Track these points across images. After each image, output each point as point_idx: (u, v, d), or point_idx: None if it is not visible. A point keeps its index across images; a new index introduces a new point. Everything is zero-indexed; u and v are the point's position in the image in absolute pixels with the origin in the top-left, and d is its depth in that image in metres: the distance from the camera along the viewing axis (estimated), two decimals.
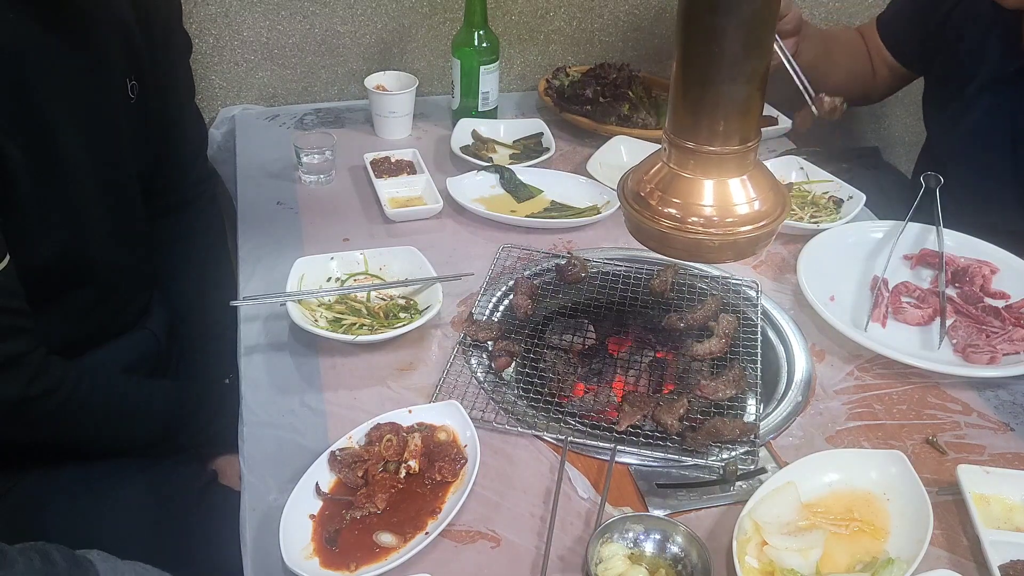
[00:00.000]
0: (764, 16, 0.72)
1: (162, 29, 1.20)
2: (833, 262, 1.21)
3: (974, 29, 1.38)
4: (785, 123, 1.63)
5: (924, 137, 1.67)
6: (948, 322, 1.12)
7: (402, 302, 1.11)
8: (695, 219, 0.80)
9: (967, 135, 1.42)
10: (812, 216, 1.33)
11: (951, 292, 1.20)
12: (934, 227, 1.26)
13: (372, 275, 1.15)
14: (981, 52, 1.38)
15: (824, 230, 1.27)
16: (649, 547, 0.80)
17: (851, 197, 1.36)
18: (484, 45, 1.51)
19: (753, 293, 1.18)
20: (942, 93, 1.51)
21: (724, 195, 0.80)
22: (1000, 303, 1.17)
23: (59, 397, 1.00)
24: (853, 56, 1.59)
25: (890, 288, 1.19)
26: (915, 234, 1.28)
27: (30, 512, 1.06)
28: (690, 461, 0.92)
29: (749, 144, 0.78)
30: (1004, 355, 1.06)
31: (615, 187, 0.89)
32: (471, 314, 1.11)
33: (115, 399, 1.08)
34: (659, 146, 0.83)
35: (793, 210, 1.34)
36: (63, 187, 1.02)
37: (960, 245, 1.25)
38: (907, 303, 1.16)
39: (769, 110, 1.67)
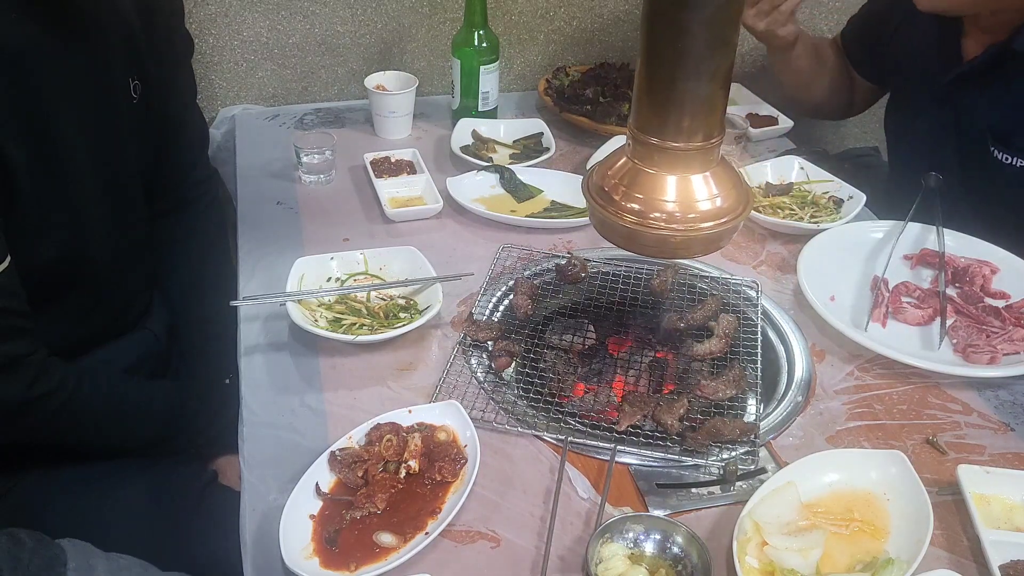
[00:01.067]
0: (729, 13, 0.73)
1: (164, 29, 1.20)
2: (833, 262, 1.21)
3: (919, 40, 1.42)
4: (786, 123, 1.63)
5: None
6: (948, 322, 1.12)
7: (402, 302, 1.11)
8: (657, 214, 0.80)
9: (917, 144, 1.45)
10: (812, 216, 1.33)
11: (951, 292, 1.20)
12: (934, 227, 1.26)
13: (372, 275, 1.15)
14: (926, 62, 1.41)
15: (824, 230, 1.27)
16: (649, 547, 0.80)
17: (851, 197, 1.36)
18: (484, 45, 1.51)
19: (753, 293, 1.18)
20: (895, 105, 1.56)
21: (687, 191, 0.80)
22: (1000, 303, 1.17)
23: (60, 398, 1.00)
24: (837, 67, 1.62)
25: (890, 288, 1.19)
26: (915, 234, 1.28)
27: (30, 512, 1.06)
28: (690, 461, 0.92)
29: (712, 141, 0.79)
30: (1004, 355, 1.06)
31: (582, 183, 0.89)
32: (471, 314, 1.11)
33: (115, 400, 1.08)
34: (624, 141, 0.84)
35: (793, 210, 1.34)
36: (64, 187, 1.02)
37: (960, 245, 1.25)
38: (907, 303, 1.16)
39: (769, 110, 1.67)
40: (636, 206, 0.81)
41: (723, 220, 0.81)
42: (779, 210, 1.34)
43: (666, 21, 0.73)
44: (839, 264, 1.22)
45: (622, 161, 0.83)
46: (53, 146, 0.99)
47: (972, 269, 1.21)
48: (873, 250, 1.26)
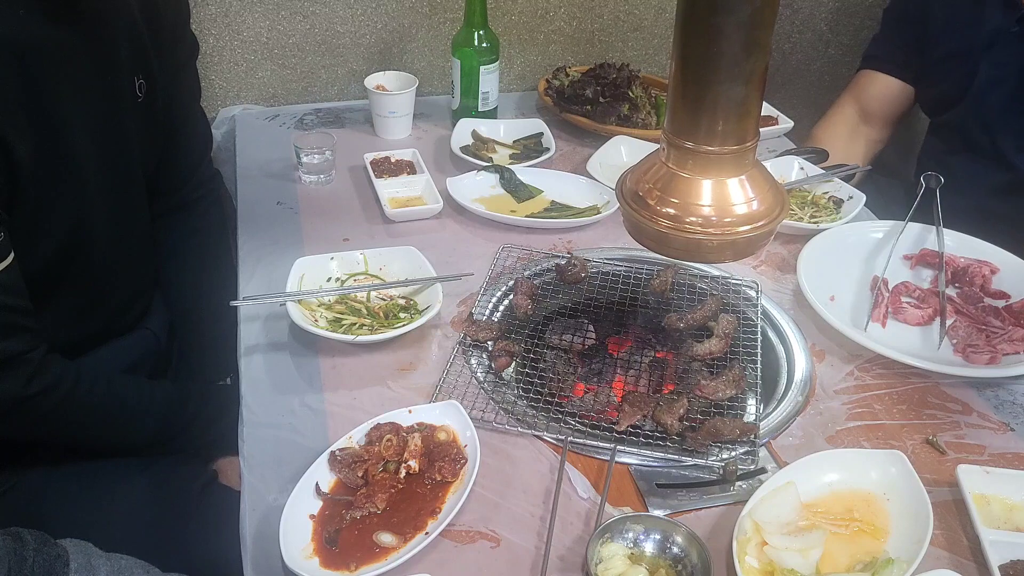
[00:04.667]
0: (763, 16, 0.72)
1: (170, 30, 1.20)
2: (833, 262, 1.21)
3: (962, 7, 1.47)
4: (786, 123, 1.63)
5: (922, 137, 1.68)
6: (948, 322, 1.12)
7: (402, 302, 1.11)
8: (693, 219, 0.80)
9: (977, 94, 1.48)
10: (812, 216, 1.33)
11: (951, 292, 1.20)
12: (934, 227, 1.26)
13: (372, 275, 1.15)
14: (979, 16, 1.45)
15: (824, 230, 1.27)
16: (649, 547, 0.80)
17: (851, 197, 1.36)
18: (484, 45, 1.51)
19: (753, 293, 1.18)
20: (945, 74, 1.55)
21: (722, 195, 0.80)
22: (1000, 303, 1.17)
23: (58, 396, 1.00)
24: (878, 112, 1.69)
25: (890, 288, 1.19)
26: (915, 234, 1.28)
27: (29, 510, 1.06)
28: (690, 461, 0.92)
29: (747, 144, 0.78)
30: (1004, 355, 1.06)
31: (615, 187, 0.89)
32: (471, 314, 1.11)
33: (115, 399, 1.08)
34: (659, 146, 0.83)
35: (793, 210, 1.34)
36: (69, 186, 1.02)
37: (960, 245, 1.25)
38: (907, 303, 1.16)
39: (769, 110, 1.67)
40: (671, 210, 0.81)
41: (760, 224, 0.81)
42: None
43: (700, 25, 0.73)
44: (839, 264, 1.22)
45: (656, 166, 0.83)
46: (57, 142, 0.99)
47: (972, 269, 1.21)
48: (873, 250, 1.26)
